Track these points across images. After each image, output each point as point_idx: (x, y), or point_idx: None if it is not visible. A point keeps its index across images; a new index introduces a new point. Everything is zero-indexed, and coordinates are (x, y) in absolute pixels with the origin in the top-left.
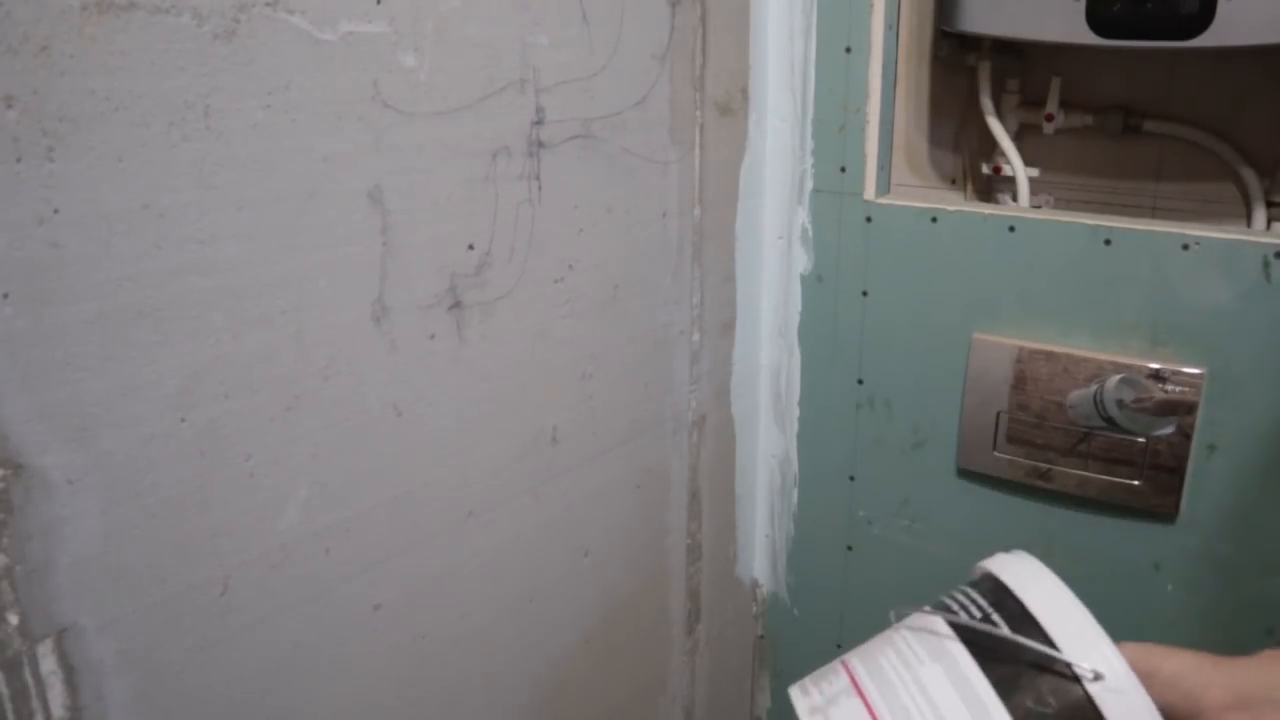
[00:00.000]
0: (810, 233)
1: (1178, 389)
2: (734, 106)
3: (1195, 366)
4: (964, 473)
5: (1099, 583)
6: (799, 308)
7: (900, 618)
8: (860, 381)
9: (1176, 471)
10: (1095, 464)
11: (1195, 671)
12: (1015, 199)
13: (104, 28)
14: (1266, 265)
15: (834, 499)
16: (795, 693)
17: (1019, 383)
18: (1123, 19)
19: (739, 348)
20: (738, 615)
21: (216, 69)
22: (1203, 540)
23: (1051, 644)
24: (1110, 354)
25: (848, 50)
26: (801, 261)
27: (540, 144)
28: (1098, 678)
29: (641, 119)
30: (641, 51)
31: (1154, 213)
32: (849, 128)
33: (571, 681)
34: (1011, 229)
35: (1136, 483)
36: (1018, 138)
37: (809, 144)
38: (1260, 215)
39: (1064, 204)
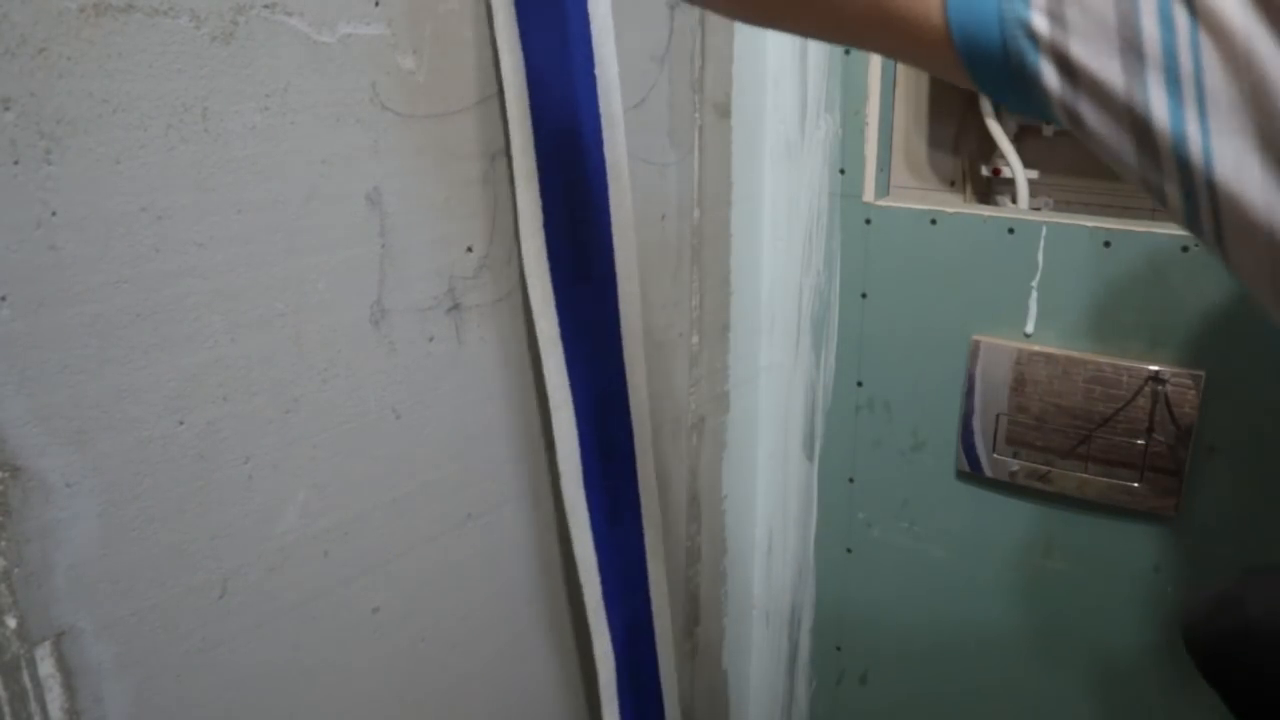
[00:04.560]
0: (809, 235)
1: (1177, 391)
2: (733, 108)
3: (1195, 368)
4: (963, 475)
5: (1099, 585)
6: (798, 310)
7: None
8: (859, 384)
9: (1176, 473)
10: (1095, 466)
11: None
12: (1015, 201)
13: (102, 30)
14: None
15: (833, 501)
16: None
17: (1018, 385)
18: None
19: (738, 350)
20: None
21: (215, 71)
22: (1202, 542)
23: None
24: (1110, 355)
25: (847, 52)
26: (800, 264)
27: None
28: None
29: (640, 121)
30: (640, 53)
31: (1154, 215)
32: (848, 130)
33: (571, 684)
34: (1011, 231)
35: (1136, 484)
36: (1017, 140)
37: (808, 146)
38: None
39: (1063, 206)
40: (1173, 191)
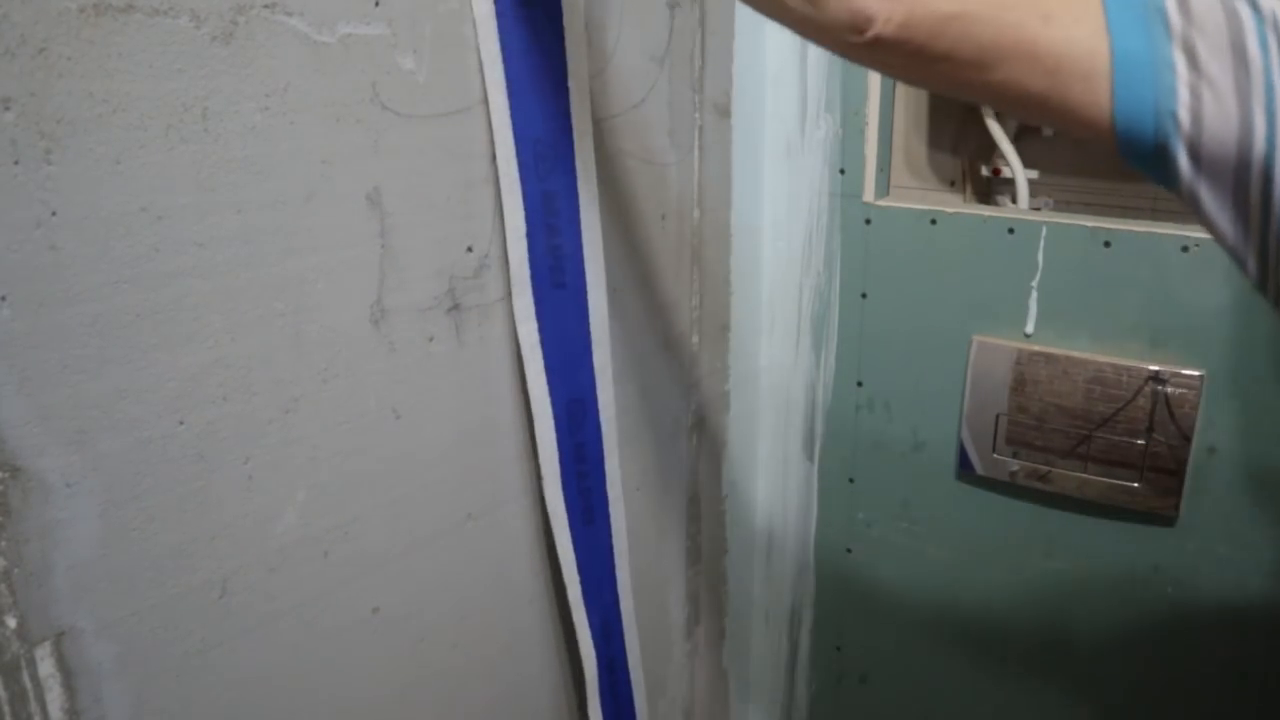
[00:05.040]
0: (809, 235)
1: (1177, 391)
2: (733, 108)
3: (1195, 369)
4: (963, 475)
5: (1099, 585)
6: (798, 310)
7: None
8: (860, 384)
9: (1176, 474)
10: (1095, 466)
11: None
12: (1014, 201)
13: (102, 30)
14: None
15: (833, 501)
16: None
17: (1018, 385)
18: None
19: (738, 350)
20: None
21: (215, 71)
22: (1202, 542)
23: None
24: (1110, 356)
25: None
26: (800, 264)
27: None
28: None
29: (640, 121)
30: (640, 53)
31: (1154, 214)
32: (848, 130)
33: (571, 684)
34: (1011, 231)
35: (1136, 485)
36: (1017, 139)
37: (808, 146)
38: None
39: (1063, 206)
40: (1252, 258)
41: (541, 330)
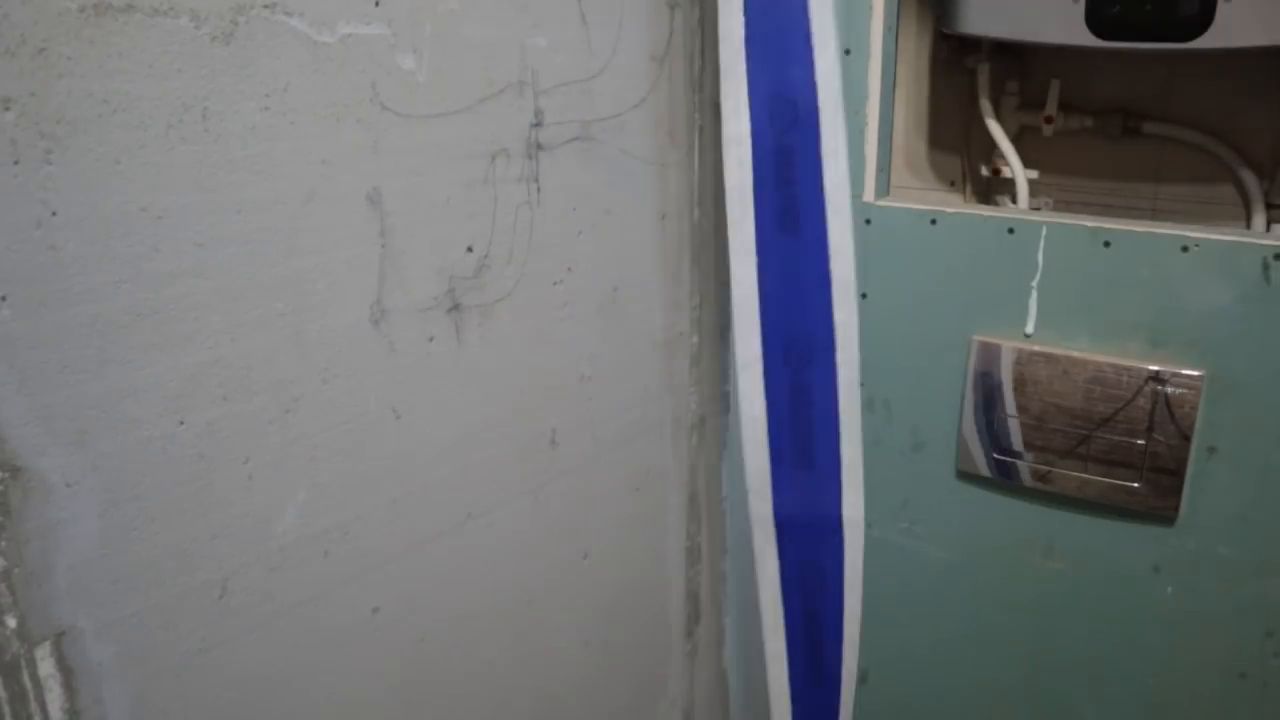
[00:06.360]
0: None
1: (1177, 391)
2: None
3: (1195, 368)
4: (963, 475)
5: (1099, 585)
6: None
7: None
8: (860, 384)
9: (1176, 474)
10: (1095, 466)
11: None
12: (1014, 201)
13: (102, 30)
14: (1266, 267)
15: None
16: None
17: (1018, 385)
18: (1122, 21)
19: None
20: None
21: (215, 71)
22: (1202, 542)
23: None
24: (1110, 356)
25: (847, 52)
26: None
27: (539, 146)
28: None
29: (641, 121)
30: (641, 53)
31: (1153, 214)
32: (848, 130)
33: (571, 684)
34: (1011, 231)
35: (1136, 484)
36: (1017, 140)
37: None
38: (1260, 217)
39: (1063, 206)
40: None
41: (762, 270)
